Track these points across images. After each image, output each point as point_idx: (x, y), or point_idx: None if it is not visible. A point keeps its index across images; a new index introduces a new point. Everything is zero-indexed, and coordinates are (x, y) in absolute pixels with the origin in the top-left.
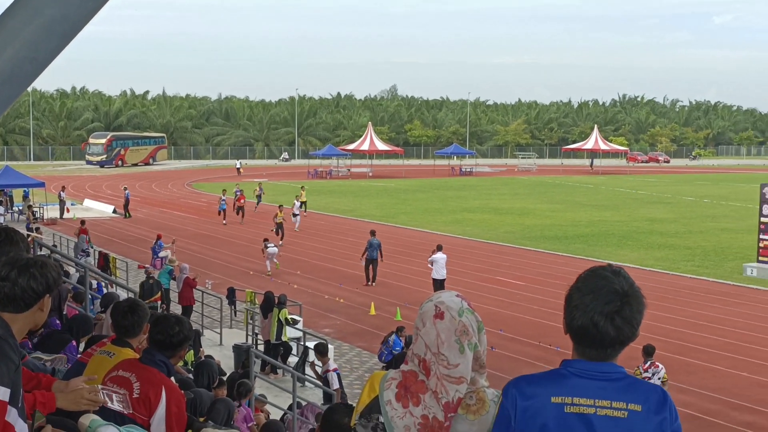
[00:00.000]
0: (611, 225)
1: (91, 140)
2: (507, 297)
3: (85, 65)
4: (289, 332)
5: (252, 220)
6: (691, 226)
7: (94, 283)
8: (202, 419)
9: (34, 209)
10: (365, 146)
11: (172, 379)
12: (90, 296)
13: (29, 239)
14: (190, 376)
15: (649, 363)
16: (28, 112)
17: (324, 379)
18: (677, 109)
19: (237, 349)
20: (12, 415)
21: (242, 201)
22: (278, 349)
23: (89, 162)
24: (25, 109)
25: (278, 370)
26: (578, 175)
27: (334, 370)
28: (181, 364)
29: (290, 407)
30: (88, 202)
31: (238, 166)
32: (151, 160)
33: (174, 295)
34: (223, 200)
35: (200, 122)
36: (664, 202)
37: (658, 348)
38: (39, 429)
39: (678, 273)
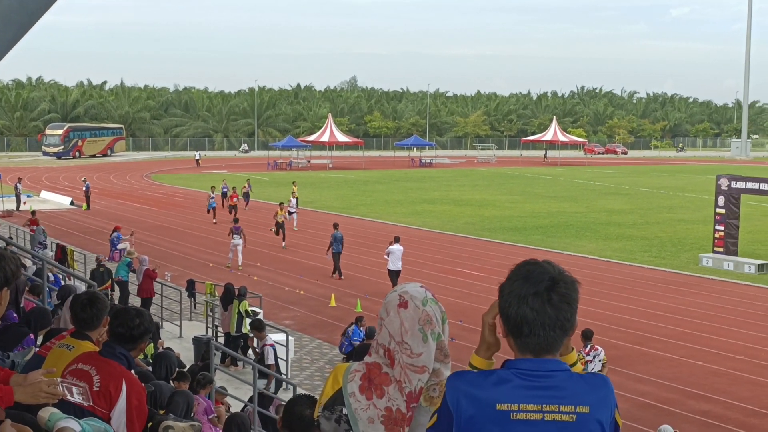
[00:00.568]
0: (570, 216)
1: (47, 131)
2: (467, 288)
3: (42, 55)
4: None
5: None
6: (648, 217)
7: (51, 275)
8: (162, 412)
9: None
10: (325, 138)
11: (133, 372)
12: (47, 289)
13: None
14: (149, 368)
15: (589, 347)
16: None
17: (261, 354)
18: (635, 101)
19: (197, 341)
20: None
21: (235, 200)
22: (238, 341)
23: (46, 153)
24: None
25: (238, 362)
26: (537, 166)
27: (271, 345)
28: (141, 357)
29: (251, 399)
30: (45, 194)
31: (197, 157)
32: (108, 152)
33: (133, 288)
34: (212, 198)
35: (159, 113)
36: (622, 193)
37: (616, 338)
38: None
39: (635, 263)
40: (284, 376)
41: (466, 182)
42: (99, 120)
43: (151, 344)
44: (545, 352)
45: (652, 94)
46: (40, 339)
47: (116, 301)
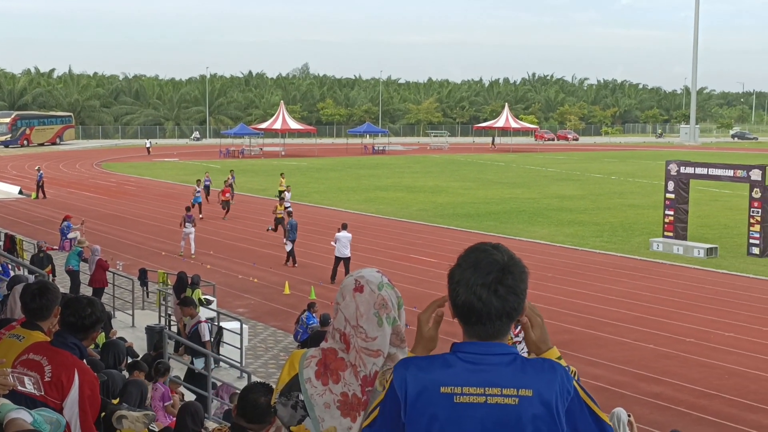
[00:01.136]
0: (522, 202)
1: None
2: (420, 274)
3: None
4: (203, 312)
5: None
6: (600, 203)
7: (0, 266)
8: (115, 401)
9: None
10: (277, 125)
11: (85, 361)
12: None
13: None
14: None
15: (519, 328)
16: None
17: (194, 333)
18: (585, 88)
19: (150, 330)
20: None
21: (227, 195)
22: None
23: None
24: None
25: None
26: (490, 153)
27: (205, 321)
28: (92, 346)
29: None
30: None
31: (147, 145)
32: (57, 140)
33: (85, 278)
34: (198, 192)
35: (108, 101)
36: (573, 179)
37: (569, 323)
38: None
39: (587, 249)
40: (238, 364)
41: (419, 169)
42: (47, 108)
43: (103, 334)
44: (492, 338)
45: (602, 81)
46: None
47: (67, 291)
